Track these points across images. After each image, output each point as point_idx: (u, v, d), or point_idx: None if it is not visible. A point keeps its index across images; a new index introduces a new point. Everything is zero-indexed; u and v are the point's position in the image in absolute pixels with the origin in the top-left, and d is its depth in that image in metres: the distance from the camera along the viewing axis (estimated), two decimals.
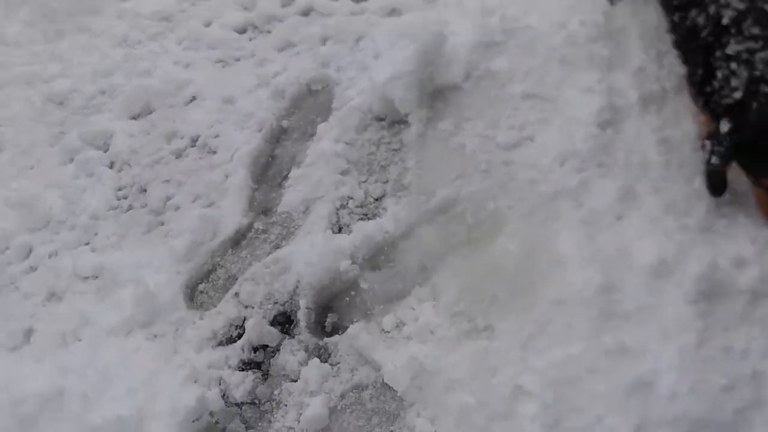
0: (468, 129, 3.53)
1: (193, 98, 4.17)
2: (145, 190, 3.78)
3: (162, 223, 3.64)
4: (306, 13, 4.42)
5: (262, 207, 3.62)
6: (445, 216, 3.27)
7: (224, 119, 3.98)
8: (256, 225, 3.55)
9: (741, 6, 2.72)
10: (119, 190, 3.83)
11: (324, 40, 4.21)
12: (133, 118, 4.16)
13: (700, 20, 2.91)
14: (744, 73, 2.65)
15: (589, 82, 3.51)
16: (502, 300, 2.93)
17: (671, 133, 3.29)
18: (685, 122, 3.33)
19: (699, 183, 3.06)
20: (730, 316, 2.72)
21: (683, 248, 2.91)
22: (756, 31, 2.73)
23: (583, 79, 3.55)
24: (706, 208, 3.01)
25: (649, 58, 3.57)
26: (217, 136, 3.92)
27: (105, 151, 4.01)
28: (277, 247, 3.44)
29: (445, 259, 3.14)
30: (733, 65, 2.68)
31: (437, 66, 3.71)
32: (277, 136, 3.89)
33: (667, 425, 2.51)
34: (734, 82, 2.68)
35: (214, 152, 3.86)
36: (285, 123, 3.91)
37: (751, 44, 2.67)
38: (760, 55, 2.69)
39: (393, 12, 4.26)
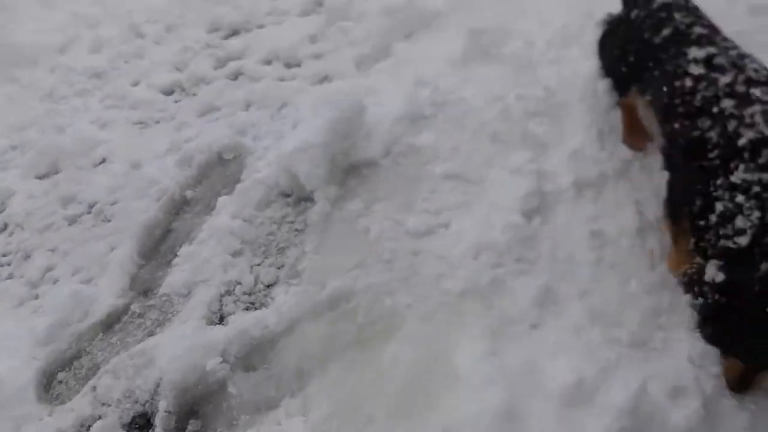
0: (378, 211, 2.88)
1: (104, 160, 3.60)
2: (30, 257, 3.15)
3: (36, 297, 3.02)
4: (235, 76, 3.86)
5: (144, 287, 2.97)
6: (335, 312, 2.59)
7: (127, 185, 3.39)
8: (133, 307, 2.90)
9: None
10: (4, 255, 3.26)
11: (247, 106, 3.64)
12: (39, 177, 3.61)
13: (712, 135, 2.12)
14: (756, 214, 1.90)
15: (518, 163, 2.87)
16: (379, 422, 2.24)
17: (607, 225, 2.63)
18: (625, 212, 2.66)
19: (635, 286, 2.38)
20: None
21: (608, 368, 2.22)
22: None
23: (513, 158, 2.91)
24: (640, 318, 2.33)
25: (590, 138, 2.93)
26: (115, 203, 3.33)
27: (0, 212, 3.41)
28: (151, 334, 2.78)
29: (327, 365, 2.45)
30: (740, 199, 1.95)
31: (354, 139, 3.09)
32: (179, 207, 3.27)
33: None
34: (741, 223, 1.92)
35: (109, 221, 3.26)
36: (189, 193, 3.30)
37: (764, 176, 1.95)
38: None
39: (325, 79, 3.69)
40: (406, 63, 3.60)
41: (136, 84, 4.00)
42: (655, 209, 2.61)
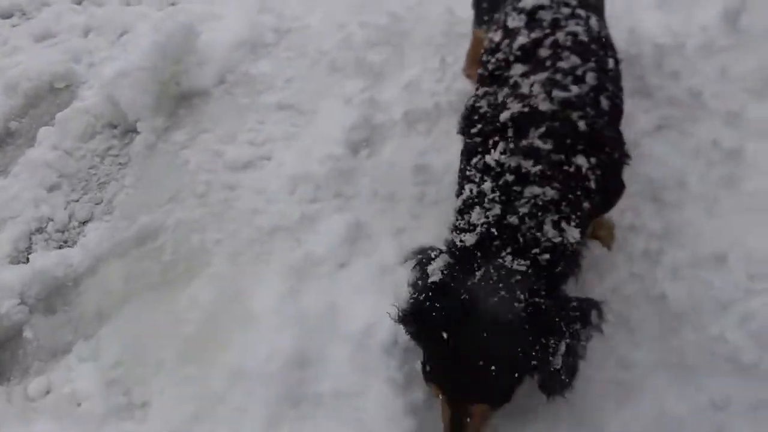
0: (201, 143, 2.59)
1: None
2: None
3: None
4: (80, 1, 3.43)
5: None
6: (142, 249, 2.32)
7: None
8: None
9: (546, 108, 1.61)
10: None
11: (87, 32, 3.26)
12: None
13: (483, 104, 1.72)
14: (495, 210, 1.50)
15: (351, 93, 2.59)
16: (169, 366, 2.00)
17: (434, 159, 2.39)
18: (455, 147, 2.39)
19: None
20: None
21: None
22: (543, 145, 1.53)
23: (347, 88, 2.62)
24: None
25: (428, 68, 2.67)
26: None
27: None
28: None
29: (125, 306, 2.19)
30: (486, 187, 1.54)
31: (185, 65, 2.75)
32: (1, 139, 2.88)
33: None
34: (476, 216, 1.52)
35: None
36: (13, 125, 2.93)
37: (523, 162, 1.53)
38: (530, 189, 1.49)
39: (171, 5, 3.29)
40: None
41: None
42: None
